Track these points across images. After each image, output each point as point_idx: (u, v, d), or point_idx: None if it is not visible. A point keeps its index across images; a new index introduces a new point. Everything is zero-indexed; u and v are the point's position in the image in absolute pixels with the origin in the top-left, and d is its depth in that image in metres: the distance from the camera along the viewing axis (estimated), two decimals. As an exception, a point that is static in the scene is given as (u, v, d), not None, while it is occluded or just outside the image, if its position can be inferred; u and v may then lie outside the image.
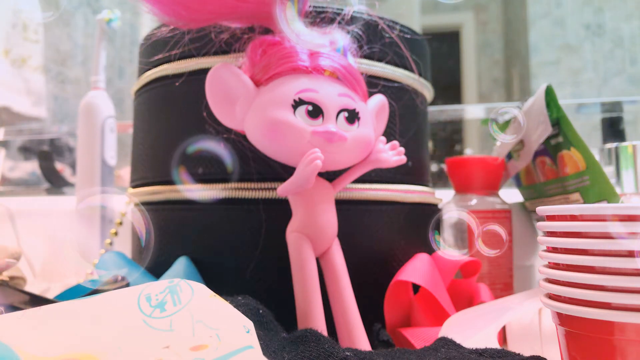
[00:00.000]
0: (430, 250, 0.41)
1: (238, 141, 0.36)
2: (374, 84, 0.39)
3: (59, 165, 0.94)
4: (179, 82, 0.39)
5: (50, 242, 0.70)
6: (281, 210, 0.35)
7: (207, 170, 0.37)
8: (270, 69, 0.32)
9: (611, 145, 0.48)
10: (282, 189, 0.32)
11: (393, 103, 0.40)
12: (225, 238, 0.37)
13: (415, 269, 0.37)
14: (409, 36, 0.42)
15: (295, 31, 0.32)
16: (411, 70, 0.42)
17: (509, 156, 0.51)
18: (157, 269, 0.39)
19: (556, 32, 1.89)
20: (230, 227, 0.37)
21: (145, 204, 0.41)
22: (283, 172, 0.36)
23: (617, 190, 0.46)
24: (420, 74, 0.44)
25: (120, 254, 0.40)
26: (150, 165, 0.42)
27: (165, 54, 0.40)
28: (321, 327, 0.31)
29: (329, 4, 0.38)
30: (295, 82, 0.31)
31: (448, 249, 0.32)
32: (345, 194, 0.37)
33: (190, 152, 0.32)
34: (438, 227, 0.32)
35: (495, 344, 0.29)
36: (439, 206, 0.48)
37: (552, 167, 0.45)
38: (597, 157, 0.40)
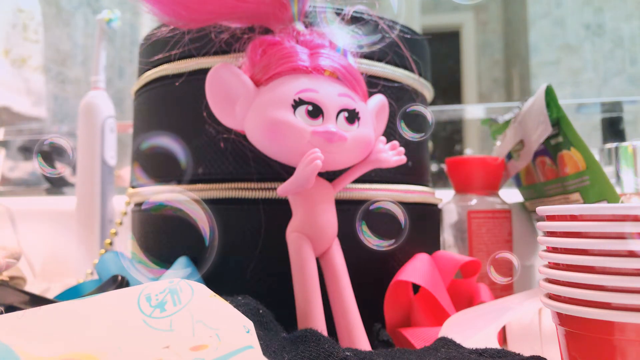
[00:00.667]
0: (430, 250, 0.41)
1: (238, 141, 0.36)
2: (374, 84, 0.39)
3: (59, 165, 0.94)
4: (179, 82, 0.39)
5: (50, 242, 0.70)
6: (281, 210, 0.35)
7: (207, 170, 0.37)
8: (270, 69, 0.32)
9: (611, 145, 0.48)
10: (282, 189, 0.32)
11: (393, 103, 0.40)
12: (225, 238, 0.37)
13: (415, 269, 0.37)
14: (409, 36, 0.42)
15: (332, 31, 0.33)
16: (411, 70, 0.42)
17: (509, 156, 0.51)
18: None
19: (556, 32, 1.89)
20: (230, 227, 0.37)
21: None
22: (283, 172, 0.36)
23: (617, 190, 0.46)
24: (420, 74, 0.44)
25: (120, 254, 0.40)
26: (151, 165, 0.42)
27: (165, 54, 0.40)
28: (321, 327, 0.31)
29: (329, 4, 0.38)
30: (295, 82, 0.31)
31: (374, 239, 0.32)
32: (345, 194, 0.37)
33: (144, 149, 0.32)
34: (365, 217, 0.33)
35: (495, 344, 0.29)
36: (439, 206, 0.48)
37: (552, 167, 0.45)
38: (597, 157, 0.40)
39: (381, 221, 0.34)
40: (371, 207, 0.32)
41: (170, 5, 0.33)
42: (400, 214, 0.32)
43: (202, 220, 0.30)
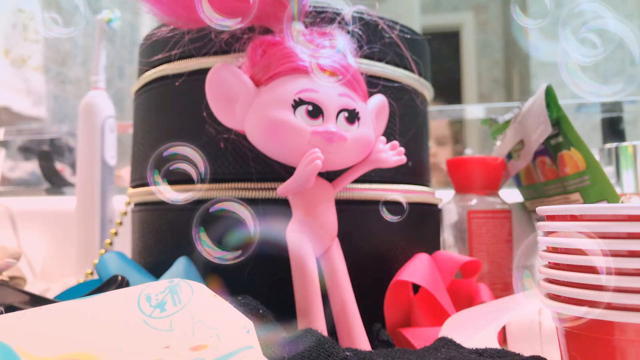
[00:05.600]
0: (430, 250, 0.41)
1: (238, 141, 0.36)
2: (374, 84, 0.39)
3: (59, 165, 0.94)
4: (179, 82, 0.39)
5: (50, 242, 0.70)
6: (281, 211, 0.35)
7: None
8: (271, 69, 0.32)
9: (611, 145, 0.48)
10: (282, 189, 0.32)
11: (393, 103, 0.40)
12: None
13: (415, 269, 0.37)
14: (409, 36, 0.42)
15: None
16: (411, 70, 0.42)
17: (509, 156, 0.51)
18: (157, 269, 0.39)
19: (556, 32, 1.89)
20: (230, 227, 0.36)
21: (145, 204, 0.41)
22: (283, 172, 0.36)
23: (617, 190, 0.46)
24: (420, 74, 0.44)
25: (120, 254, 0.40)
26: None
27: (165, 54, 0.40)
28: (321, 327, 0.31)
29: (329, 3, 0.38)
30: (295, 82, 0.31)
31: (212, 249, 0.30)
32: (345, 194, 0.37)
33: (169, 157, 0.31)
34: (204, 223, 0.30)
35: (495, 344, 0.29)
36: (439, 206, 0.48)
37: (552, 167, 0.45)
38: (597, 157, 0.40)
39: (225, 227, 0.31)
40: (212, 210, 0.29)
41: (170, 5, 0.33)
42: (247, 215, 0.29)
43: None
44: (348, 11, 0.35)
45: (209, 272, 0.36)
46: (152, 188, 0.30)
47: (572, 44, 0.29)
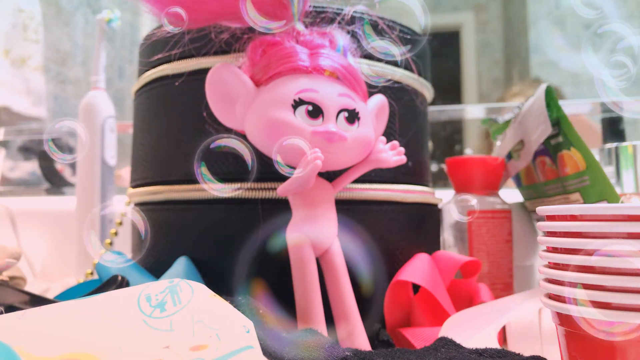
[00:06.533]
0: (430, 250, 0.41)
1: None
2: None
3: (59, 165, 0.94)
4: (179, 82, 0.39)
5: (50, 242, 0.70)
6: (281, 210, 0.35)
7: (207, 170, 0.37)
8: (270, 69, 0.32)
9: (611, 145, 0.48)
10: (282, 189, 0.32)
11: (393, 103, 0.40)
12: (225, 238, 0.37)
13: (415, 269, 0.37)
14: (409, 36, 0.42)
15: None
16: (411, 70, 0.42)
17: (509, 156, 0.51)
18: (157, 269, 0.39)
19: (556, 32, 1.89)
20: (230, 227, 0.36)
21: (145, 204, 0.41)
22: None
23: (617, 190, 0.46)
24: (420, 74, 0.44)
25: (120, 254, 0.40)
26: (150, 165, 0.42)
27: (165, 54, 0.40)
28: (321, 327, 0.31)
29: (329, 3, 0.38)
30: (295, 82, 0.31)
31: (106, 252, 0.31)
32: (345, 194, 0.37)
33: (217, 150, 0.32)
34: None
35: (495, 344, 0.29)
36: (439, 206, 0.48)
37: (552, 167, 0.45)
38: (597, 157, 0.40)
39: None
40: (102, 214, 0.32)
41: (170, 5, 0.33)
42: (140, 222, 0.31)
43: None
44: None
45: (210, 272, 0.36)
46: (202, 184, 0.31)
47: (604, 69, 0.29)
